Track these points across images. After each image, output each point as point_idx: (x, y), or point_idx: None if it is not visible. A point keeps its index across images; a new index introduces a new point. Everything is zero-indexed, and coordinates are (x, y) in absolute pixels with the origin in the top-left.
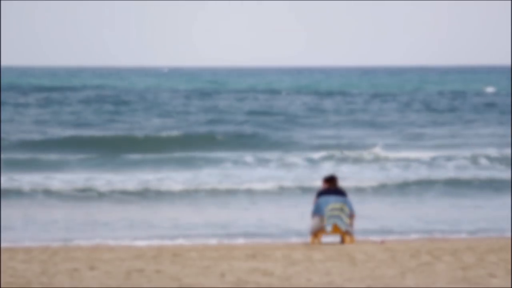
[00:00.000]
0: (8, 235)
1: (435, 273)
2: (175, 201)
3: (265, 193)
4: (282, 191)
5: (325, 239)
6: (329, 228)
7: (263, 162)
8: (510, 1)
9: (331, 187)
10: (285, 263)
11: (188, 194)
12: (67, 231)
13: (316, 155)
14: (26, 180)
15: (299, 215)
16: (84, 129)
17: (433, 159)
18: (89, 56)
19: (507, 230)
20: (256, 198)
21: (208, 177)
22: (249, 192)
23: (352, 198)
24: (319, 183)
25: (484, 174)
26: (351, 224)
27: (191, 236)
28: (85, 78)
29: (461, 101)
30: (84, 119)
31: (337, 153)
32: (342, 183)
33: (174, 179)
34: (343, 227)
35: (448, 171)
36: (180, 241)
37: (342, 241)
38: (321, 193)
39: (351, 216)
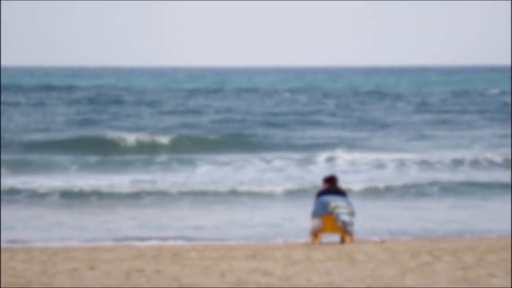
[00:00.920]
0: (8, 235)
1: (435, 273)
2: (177, 202)
3: (267, 195)
4: (281, 193)
5: (325, 239)
6: (341, 224)
7: (265, 162)
8: (510, 1)
9: (331, 187)
10: (285, 263)
11: (192, 196)
12: (66, 232)
13: (319, 156)
14: (24, 181)
15: (299, 215)
16: (80, 128)
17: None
18: (88, 56)
19: (507, 230)
20: (258, 199)
21: (211, 178)
22: (250, 194)
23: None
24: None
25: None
26: (351, 224)
27: (191, 236)
28: (82, 78)
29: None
30: (83, 118)
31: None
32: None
33: (177, 179)
34: (348, 228)
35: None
36: (180, 241)
37: (342, 241)
38: (321, 193)
39: (352, 215)
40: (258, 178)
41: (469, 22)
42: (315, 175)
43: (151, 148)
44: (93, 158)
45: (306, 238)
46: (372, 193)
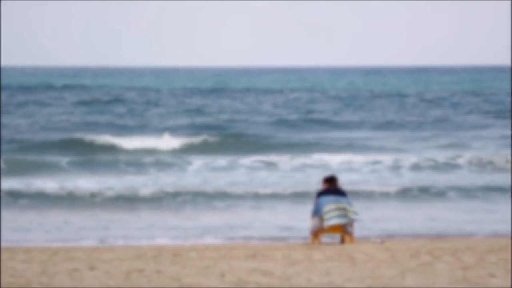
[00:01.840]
0: (8, 235)
1: (435, 273)
2: (178, 202)
3: (268, 196)
4: (281, 194)
5: (325, 239)
6: (332, 222)
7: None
8: (510, 1)
9: (331, 187)
10: (285, 263)
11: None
12: (66, 232)
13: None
14: (22, 181)
15: (299, 215)
16: (79, 130)
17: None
18: (88, 56)
19: (507, 230)
20: (259, 200)
21: (215, 179)
22: (250, 195)
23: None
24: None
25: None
26: (351, 225)
27: (192, 236)
28: (84, 78)
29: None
30: (83, 120)
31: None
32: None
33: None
34: (347, 228)
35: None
36: (180, 241)
37: (342, 241)
38: (321, 193)
39: (352, 216)
40: (261, 179)
41: (468, 22)
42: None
43: (160, 150)
44: (82, 160)
45: (306, 238)
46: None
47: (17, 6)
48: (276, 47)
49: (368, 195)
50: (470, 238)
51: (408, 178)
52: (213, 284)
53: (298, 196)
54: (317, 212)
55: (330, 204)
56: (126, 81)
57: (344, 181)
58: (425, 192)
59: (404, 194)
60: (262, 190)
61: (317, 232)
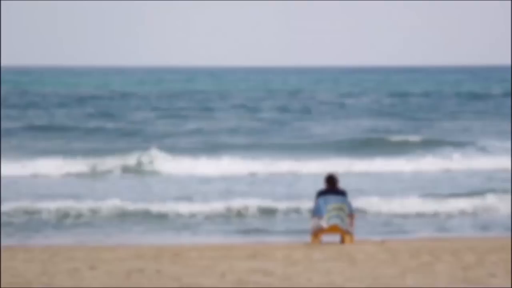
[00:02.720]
0: (8, 235)
1: (435, 273)
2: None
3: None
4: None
5: (325, 239)
6: (325, 225)
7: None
8: (510, 1)
9: (331, 187)
10: (285, 263)
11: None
12: (66, 232)
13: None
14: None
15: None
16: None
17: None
18: (88, 56)
19: (507, 230)
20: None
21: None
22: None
23: None
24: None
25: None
26: (351, 224)
27: (192, 236)
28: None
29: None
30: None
31: None
32: None
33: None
34: (343, 227)
35: None
36: (180, 241)
37: (342, 241)
38: (321, 193)
39: (351, 216)
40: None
41: (468, 22)
42: None
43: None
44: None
45: (306, 238)
46: None
47: (17, 6)
48: (275, 47)
49: None
50: (470, 238)
51: None
52: (213, 284)
53: None
54: (317, 212)
55: (330, 204)
56: (131, 81)
57: None
58: None
59: None
60: None
61: (317, 232)
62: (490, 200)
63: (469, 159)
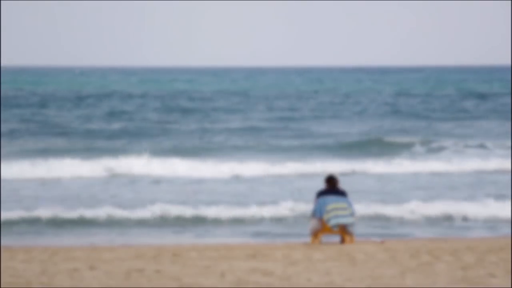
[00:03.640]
0: (8, 235)
1: (435, 273)
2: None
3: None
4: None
5: (325, 239)
6: (335, 228)
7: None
8: (510, 1)
9: (331, 187)
10: (285, 263)
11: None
12: (66, 232)
13: None
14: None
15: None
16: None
17: None
18: (88, 56)
19: (507, 230)
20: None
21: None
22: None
23: None
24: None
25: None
26: (351, 224)
27: (192, 236)
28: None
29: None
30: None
31: None
32: None
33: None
34: (349, 224)
35: None
36: (180, 241)
37: (342, 241)
38: (321, 193)
39: (352, 216)
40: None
41: (467, 22)
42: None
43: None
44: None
45: (306, 238)
46: None
47: (17, 6)
48: (275, 47)
49: None
50: (470, 238)
51: None
52: (213, 284)
53: None
54: (317, 212)
55: (330, 204)
56: (132, 81)
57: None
58: None
59: None
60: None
61: (317, 232)
62: (490, 200)
63: (469, 159)
